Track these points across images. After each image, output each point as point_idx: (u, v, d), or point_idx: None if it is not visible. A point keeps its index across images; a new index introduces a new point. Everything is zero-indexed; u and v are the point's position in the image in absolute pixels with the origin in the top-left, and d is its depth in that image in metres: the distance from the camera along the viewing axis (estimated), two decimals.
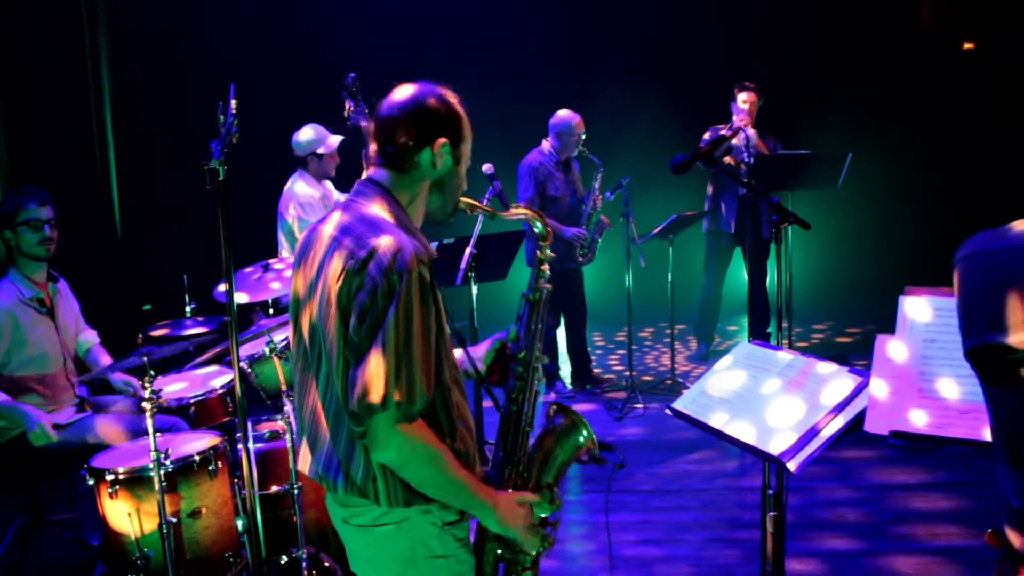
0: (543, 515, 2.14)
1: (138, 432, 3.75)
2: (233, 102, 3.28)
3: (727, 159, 6.51)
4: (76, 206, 6.52)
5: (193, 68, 7.43)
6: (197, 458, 3.37)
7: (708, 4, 8.94)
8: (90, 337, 4.19)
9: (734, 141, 6.43)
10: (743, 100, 6.43)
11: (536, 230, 2.34)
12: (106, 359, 4.16)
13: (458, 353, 2.27)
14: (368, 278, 1.85)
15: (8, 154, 6.13)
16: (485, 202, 4.91)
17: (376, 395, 1.81)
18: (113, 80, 7.36)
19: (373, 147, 2.08)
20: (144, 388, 3.18)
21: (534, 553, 2.14)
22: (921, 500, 4.50)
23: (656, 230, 6.09)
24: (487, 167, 5.01)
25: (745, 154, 6.40)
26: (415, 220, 2.09)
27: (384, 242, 1.87)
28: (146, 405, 3.16)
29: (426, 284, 1.88)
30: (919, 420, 2.15)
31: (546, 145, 6.26)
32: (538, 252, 2.35)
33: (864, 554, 4.01)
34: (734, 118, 6.49)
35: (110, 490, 3.27)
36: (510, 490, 2.12)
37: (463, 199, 2.18)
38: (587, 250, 6.21)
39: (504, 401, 2.25)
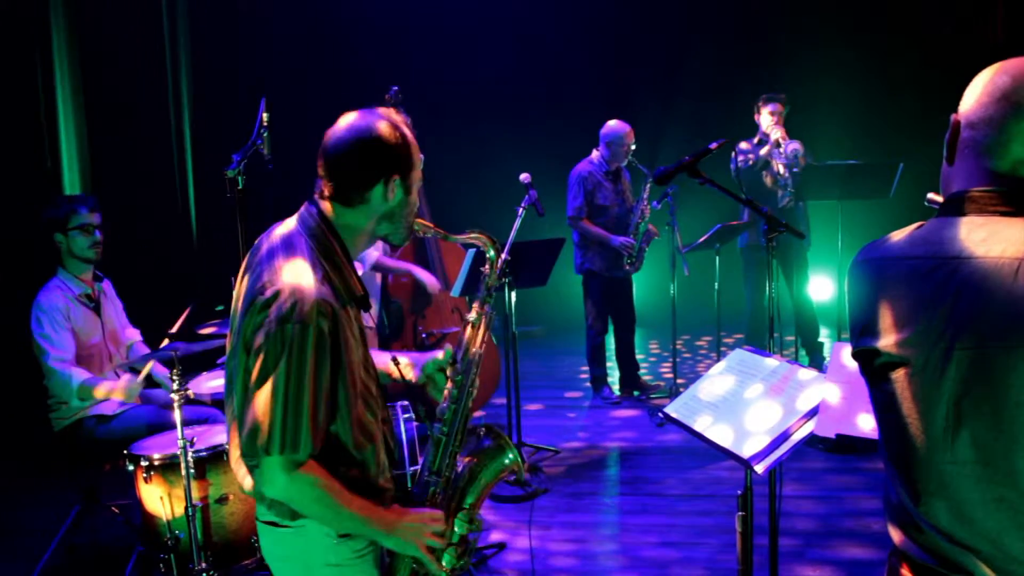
0: (461, 533, 2.17)
1: (172, 423, 4.01)
2: (264, 115, 3.51)
3: (764, 175, 6.47)
4: (155, 217, 6.95)
5: (267, 76, 7.79)
6: (226, 447, 3.60)
7: (757, 10, 8.93)
8: (133, 335, 4.48)
9: (785, 151, 6.43)
10: (769, 111, 6.40)
11: (488, 256, 2.34)
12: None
13: (387, 358, 2.34)
14: (267, 321, 1.89)
15: (91, 163, 6.56)
16: (521, 211, 5.10)
17: (262, 440, 1.87)
18: (191, 91, 7.77)
19: (320, 176, 2.07)
20: (172, 380, 3.43)
21: (446, 571, 2.15)
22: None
23: (701, 239, 6.14)
24: (524, 176, 5.18)
25: (784, 162, 6.34)
26: (356, 249, 2.11)
27: (289, 286, 1.90)
28: (174, 396, 3.41)
29: (323, 335, 1.90)
30: (866, 424, 2.21)
31: (595, 155, 6.39)
32: (484, 278, 2.35)
33: (881, 563, 3.97)
34: (761, 130, 6.46)
35: (145, 475, 3.54)
36: (420, 509, 2.14)
37: (418, 221, 2.19)
38: (635, 259, 6.30)
39: (436, 422, 2.28)
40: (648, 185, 6.26)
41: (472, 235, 2.32)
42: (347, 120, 2.06)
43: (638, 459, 5.51)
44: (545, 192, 5.26)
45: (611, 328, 6.74)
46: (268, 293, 1.91)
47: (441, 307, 5.49)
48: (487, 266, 2.36)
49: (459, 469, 2.25)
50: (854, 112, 8.65)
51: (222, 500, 3.60)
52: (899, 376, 1.51)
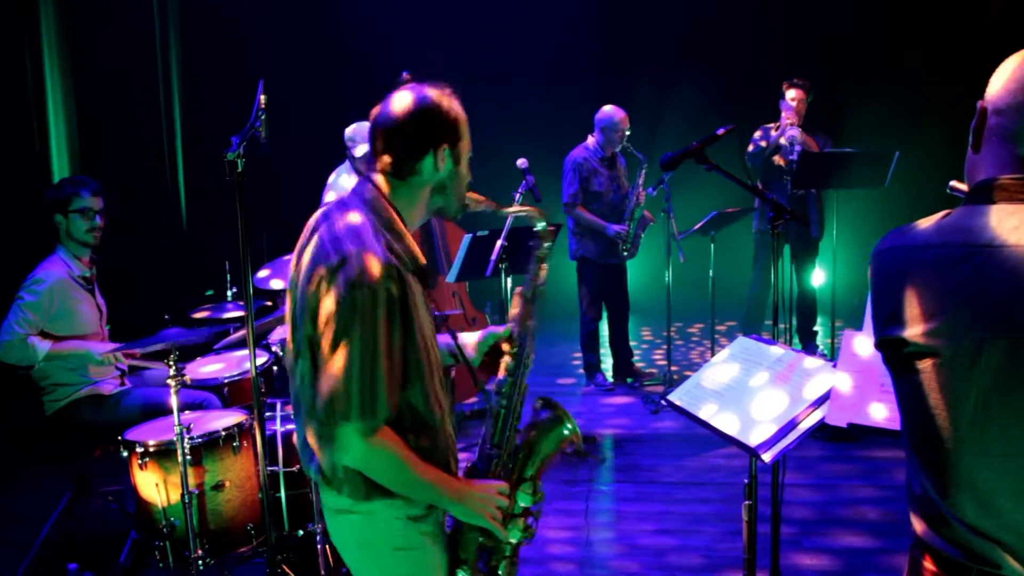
0: (524, 505, 2.19)
1: (168, 405, 3.96)
2: (262, 98, 3.45)
3: (776, 159, 6.49)
4: (144, 199, 6.88)
5: (259, 63, 7.70)
6: (223, 434, 3.57)
7: None
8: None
9: (781, 140, 6.42)
10: (791, 98, 6.40)
11: (536, 228, 2.35)
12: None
13: (447, 339, 2.35)
14: (336, 287, 1.89)
15: (81, 150, 6.48)
16: (518, 196, 5.07)
17: (339, 407, 1.88)
18: (182, 76, 7.68)
19: (371, 153, 2.10)
20: (169, 367, 3.39)
21: (513, 542, 2.18)
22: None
23: (697, 226, 6.12)
24: (521, 162, 5.14)
25: (793, 154, 6.37)
26: (412, 223, 2.11)
27: (356, 252, 1.90)
28: (171, 383, 3.36)
29: (393, 298, 1.90)
30: (878, 414, 2.19)
31: (591, 141, 6.35)
32: (537, 251, 2.35)
33: (879, 552, 4.01)
34: (783, 115, 6.48)
35: (140, 461, 3.49)
36: (485, 481, 2.16)
37: (469, 195, 2.20)
38: (630, 245, 6.27)
39: (494, 395, 2.30)
40: (643, 171, 6.23)
41: (523, 208, 2.35)
42: (395, 95, 2.07)
43: (633, 446, 5.50)
44: (543, 177, 5.22)
45: (604, 315, 6.72)
46: (334, 259, 1.91)
47: (441, 291, 5.46)
48: (539, 240, 2.36)
49: (518, 441, 2.26)
50: (851, 101, 8.65)
51: (218, 487, 3.56)
52: (927, 366, 1.49)
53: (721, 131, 2.88)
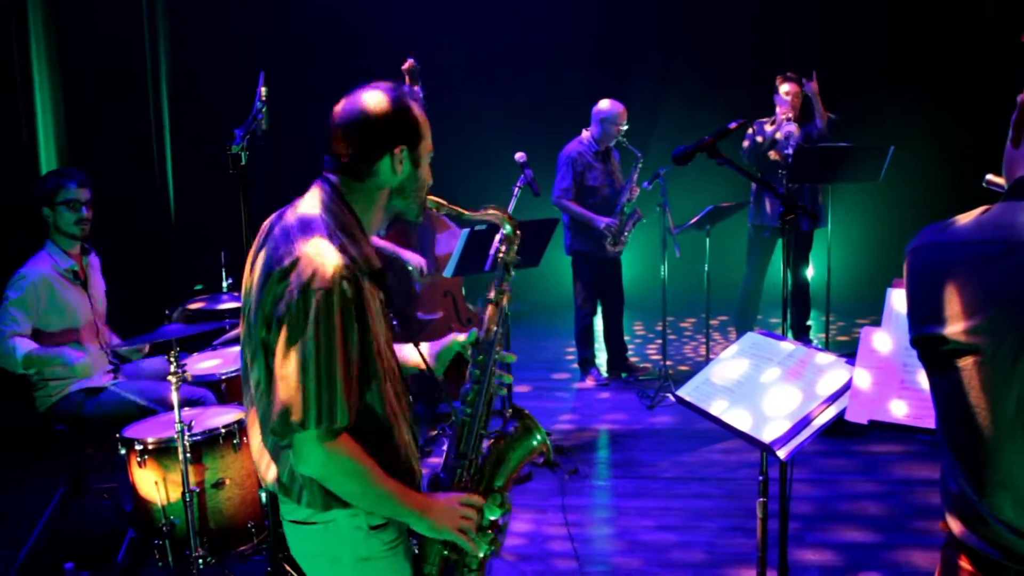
0: (493, 518, 2.13)
1: (164, 399, 3.91)
2: (263, 90, 3.41)
3: (771, 154, 6.48)
4: (132, 191, 6.79)
5: (251, 52, 7.62)
6: (223, 431, 3.52)
7: None
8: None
9: (777, 135, 6.42)
10: (785, 92, 6.39)
11: (504, 231, 2.29)
12: (114, 340, 4.32)
13: (410, 349, 2.30)
14: (287, 291, 1.84)
15: (68, 141, 6.38)
16: (516, 191, 5.05)
17: (296, 416, 1.82)
18: (170, 67, 7.59)
19: (329, 152, 2.04)
20: (169, 363, 3.33)
21: (480, 555, 2.12)
22: (940, 496, 4.47)
23: (692, 220, 6.10)
24: (520, 156, 5.11)
25: (788, 148, 6.37)
26: (370, 226, 2.06)
27: (308, 253, 1.86)
28: (172, 379, 3.31)
29: (347, 299, 1.84)
30: (899, 411, 2.17)
31: (585, 135, 6.32)
32: (501, 255, 2.29)
33: (881, 547, 4.00)
34: (777, 110, 6.47)
35: (139, 459, 3.44)
36: (449, 494, 2.09)
37: (430, 198, 2.15)
38: (616, 240, 6.24)
39: (459, 404, 2.23)
40: (638, 166, 6.21)
41: (488, 212, 2.27)
42: (355, 94, 2.01)
43: (629, 442, 5.48)
44: (541, 172, 5.18)
45: (599, 309, 6.70)
46: (286, 262, 1.86)
47: (433, 290, 5.39)
48: (504, 244, 2.30)
49: (485, 452, 2.20)
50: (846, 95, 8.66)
51: (218, 485, 3.51)
52: (967, 364, 1.46)
53: (733, 125, 2.86)
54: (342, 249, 1.89)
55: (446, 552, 2.09)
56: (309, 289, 1.82)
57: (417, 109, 2.04)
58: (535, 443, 2.22)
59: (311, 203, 2.00)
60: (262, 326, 1.90)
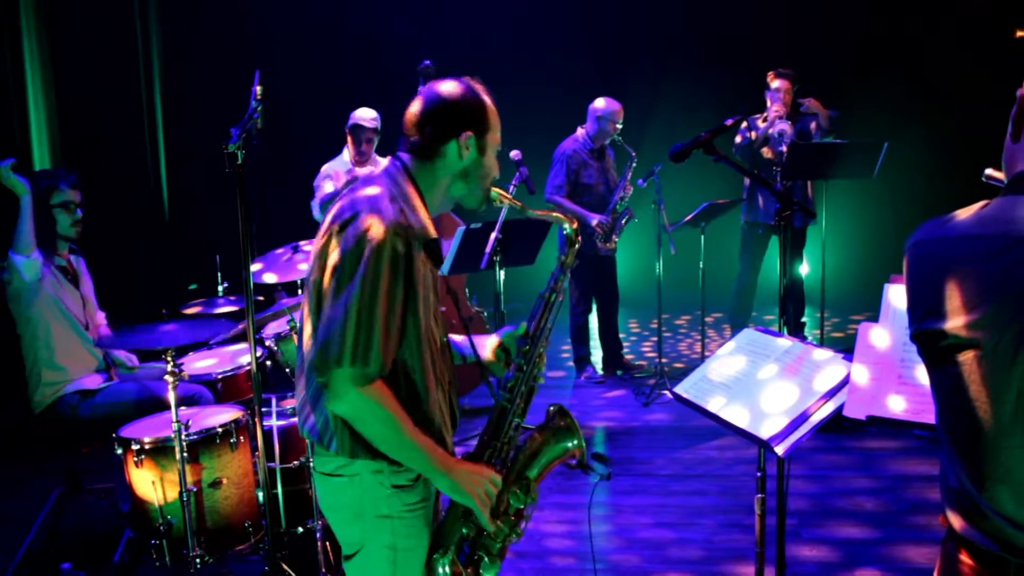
0: (519, 506, 2.20)
1: (160, 398, 3.90)
2: (258, 88, 3.39)
3: (764, 151, 6.48)
4: (125, 192, 6.78)
5: (245, 51, 7.60)
6: (219, 430, 3.51)
7: None
8: (100, 318, 4.36)
9: (771, 132, 6.42)
10: (777, 88, 6.39)
11: (565, 232, 2.38)
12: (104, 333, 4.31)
13: (461, 338, 2.40)
14: (344, 239, 1.97)
15: (61, 142, 6.36)
16: (512, 188, 5.04)
17: (334, 352, 1.91)
18: (164, 67, 7.57)
19: (404, 132, 2.19)
20: (167, 362, 3.33)
21: (499, 539, 2.17)
22: (940, 491, 4.48)
23: (687, 218, 6.11)
24: (515, 153, 5.10)
25: (781, 145, 6.37)
26: (433, 205, 2.18)
27: (368, 210, 1.98)
28: (168, 379, 3.30)
29: (398, 256, 1.96)
30: (896, 406, 2.17)
31: (581, 132, 6.32)
32: (563, 257, 2.38)
33: (877, 542, 4.01)
34: (769, 106, 6.47)
35: (136, 459, 3.43)
36: (479, 464, 2.18)
37: (494, 189, 2.26)
38: (607, 238, 6.23)
39: (498, 388, 2.31)
40: (632, 165, 6.21)
41: (553, 213, 2.41)
42: (431, 84, 2.19)
43: (626, 439, 5.48)
44: (536, 169, 5.18)
45: (594, 307, 6.70)
46: (347, 215, 2.00)
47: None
48: (566, 246, 2.39)
49: (521, 443, 2.27)
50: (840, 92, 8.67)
51: (216, 484, 3.51)
52: (967, 359, 1.47)
53: (729, 121, 2.86)
54: (400, 213, 2.02)
55: (465, 530, 2.16)
56: (364, 240, 1.94)
57: (489, 101, 2.19)
58: (571, 445, 2.30)
59: (379, 174, 2.16)
60: (318, 272, 2.02)
